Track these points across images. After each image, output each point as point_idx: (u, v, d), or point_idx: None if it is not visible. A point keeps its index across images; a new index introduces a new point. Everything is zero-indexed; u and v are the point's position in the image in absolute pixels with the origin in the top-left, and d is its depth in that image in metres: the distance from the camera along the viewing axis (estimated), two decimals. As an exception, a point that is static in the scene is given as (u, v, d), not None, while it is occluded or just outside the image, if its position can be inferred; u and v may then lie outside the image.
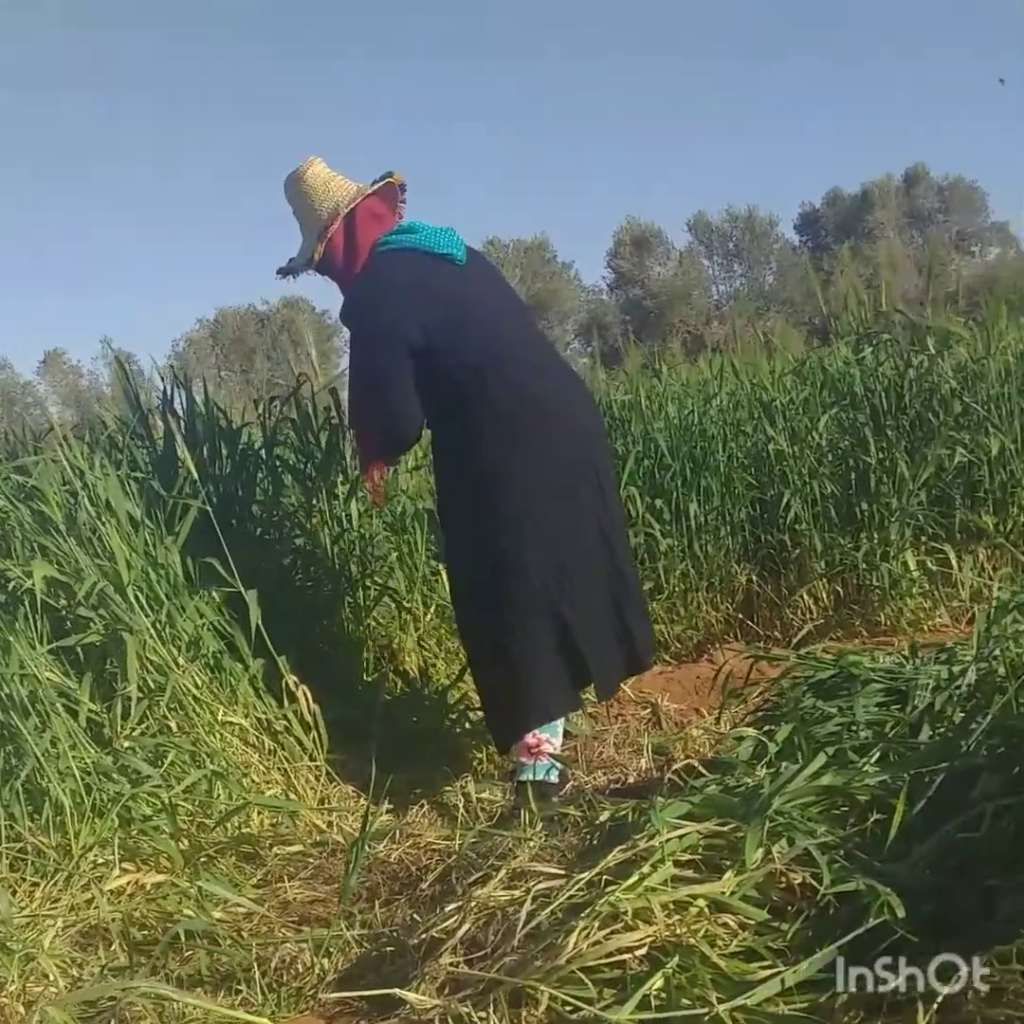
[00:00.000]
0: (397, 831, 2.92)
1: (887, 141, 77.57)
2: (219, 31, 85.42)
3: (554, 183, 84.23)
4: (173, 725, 2.98)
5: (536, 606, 2.95)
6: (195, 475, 3.34)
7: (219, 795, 2.92)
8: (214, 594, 3.24)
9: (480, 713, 3.65)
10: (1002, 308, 5.37)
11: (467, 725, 3.68)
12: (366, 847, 2.77)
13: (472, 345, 2.98)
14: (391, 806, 3.14)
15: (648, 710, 3.85)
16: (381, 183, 3.17)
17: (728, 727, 3.24)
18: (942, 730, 2.32)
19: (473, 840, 2.54)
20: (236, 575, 3.16)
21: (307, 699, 3.16)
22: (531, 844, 2.33)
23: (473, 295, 3.07)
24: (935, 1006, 1.46)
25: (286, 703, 3.19)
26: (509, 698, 3.01)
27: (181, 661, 3.06)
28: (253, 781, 3.03)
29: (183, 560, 3.23)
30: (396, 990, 1.81)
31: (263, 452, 3.94)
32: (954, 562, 4.46)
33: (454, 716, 3.72)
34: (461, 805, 3.08)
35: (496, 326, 3.06)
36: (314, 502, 3.93)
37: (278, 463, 3.99)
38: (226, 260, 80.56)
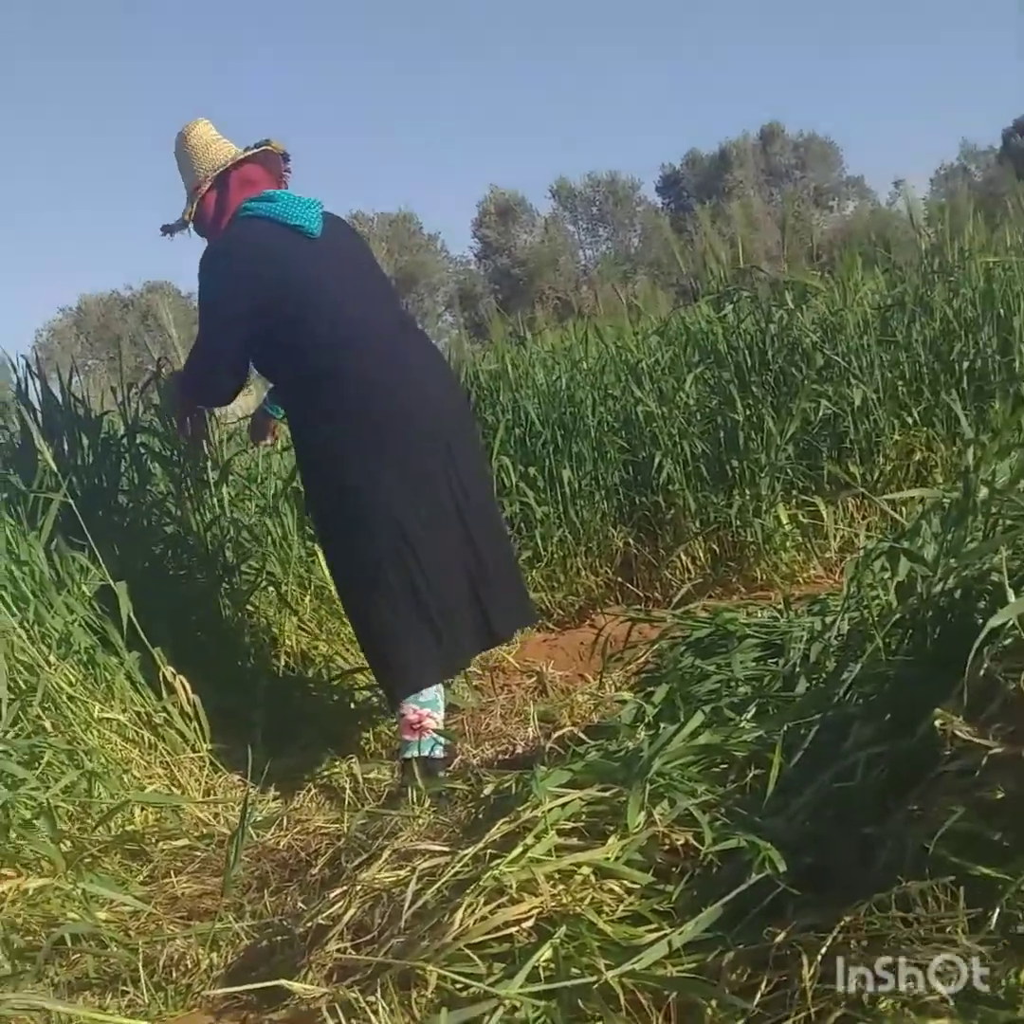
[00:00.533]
0: (284, 817, 2.88)
1: (742, 100, 78.31)
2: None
3: (417, 155, 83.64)
4: (48, 725, 2.89)
5: (392, 583, 2.94)
6: (54, 467, 3.25)
7: (99, 793, 2.85)
8: (83, 588, 3.17)
9: (365, 693, 3.65)
10: (857, 260, 5.45)
11: (352, 706, 3.66)
12: (253, 836, 2.75)
13: (323, 323, 2.95)
14: (278, 792, 3.12)
15: (534, 679, 3.87)
16: (256, 150, 3.15)
17: (612, 691, 3.26)
18: (817, 680, 2.36)
19: (362, 822, 2.53)
20: (105, 568, 3.10)
21: (186, 690, 3.11)
22: (418, 822, 2.32)
23: (326, 270, 3.02)
24: (818, 958, 1.47)
25: (165, 695, 3.13)
26: (381, 671, 3.05)
27: (52, 659, 2.98)
28: (134, 777, 2.97)
29: (48, 555, 3.15)
30: (282, 981, 1.79)
31: (126, 440, 3.84)
32: (824, 513, 4.54)
33: (338, 697, 3.69)
34: (349, 787, 3.06)
35: (349, 304, 3.02)
36: (183, 488, 3.86)
37: (142, 451, 3.90)
38: (87, 246, 78.57)
